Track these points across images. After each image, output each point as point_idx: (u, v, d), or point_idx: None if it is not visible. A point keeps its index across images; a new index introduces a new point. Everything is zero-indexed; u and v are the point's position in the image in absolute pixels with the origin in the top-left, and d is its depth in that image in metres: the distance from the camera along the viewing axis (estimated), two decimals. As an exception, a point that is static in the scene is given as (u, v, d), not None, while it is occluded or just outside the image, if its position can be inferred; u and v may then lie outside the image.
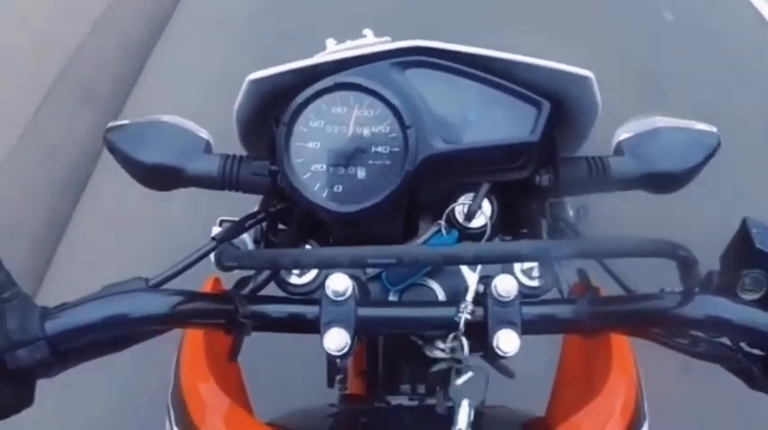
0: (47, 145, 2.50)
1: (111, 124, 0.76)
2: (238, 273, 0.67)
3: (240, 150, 0.78)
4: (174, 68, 3.08)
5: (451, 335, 0.60)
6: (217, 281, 0.77)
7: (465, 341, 0.59)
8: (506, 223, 0.73)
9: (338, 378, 1.12)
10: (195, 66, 3.04)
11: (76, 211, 2.42)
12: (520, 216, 0.75)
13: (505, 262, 0.59)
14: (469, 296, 0.59)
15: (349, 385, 1.06)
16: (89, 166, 2.51)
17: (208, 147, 0.76)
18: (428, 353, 0.63)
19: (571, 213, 0.78)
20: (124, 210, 2.25)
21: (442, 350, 0.61)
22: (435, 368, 0.61)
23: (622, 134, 0.75)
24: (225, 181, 0.74)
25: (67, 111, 2.64)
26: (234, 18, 3.40)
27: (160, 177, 0.74)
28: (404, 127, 0.65)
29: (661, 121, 0.75)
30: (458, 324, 0.59)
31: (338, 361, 0.86)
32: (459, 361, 0.60)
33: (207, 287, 0.75)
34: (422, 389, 0.76)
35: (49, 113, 2.58)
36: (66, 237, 2.33)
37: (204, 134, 0.76)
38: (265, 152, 0.74)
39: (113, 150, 0.74)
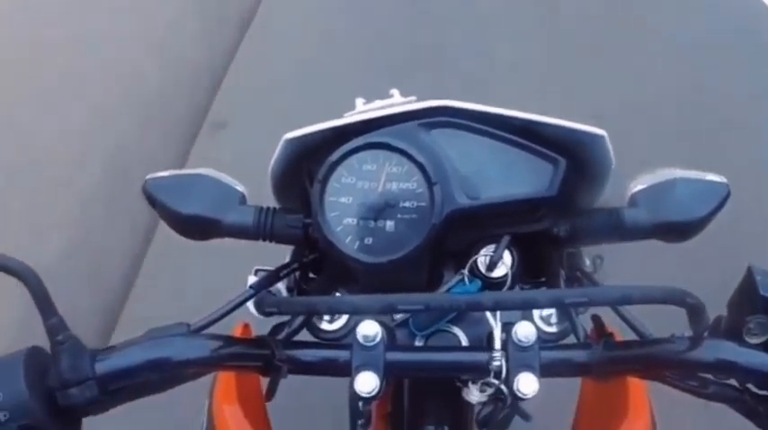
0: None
1: (149, 176, 0.78)
2: (266, 321, 0.70)
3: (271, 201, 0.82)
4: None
5: (481, 382, 0.64)
6: (246, 326, 0.80)
7: (504, 387, 0.63)
8: (526, 272, 0.76)
9: (360, 422, 1.14)
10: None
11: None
12: (539, 265, 0.78)
13: (523, 308, 0.63)
14: (497, 344, 0.63)
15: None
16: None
17: (243, 200, 0.78)
18: (466, 396, 0.67)
19: (587, 262, 0.81)
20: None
21: (487, 392, 0.65)
22: (485, 412, 0.66)
23: (636, 186, 0.78)
24: (259, 232, 0.76)
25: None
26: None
27: (197, 228, 0.77)
28: (430, 183, 0.68)
29: (673, 173, 0.77)
30: (481, 367, 0.63)
31: (362, 404, 0.90)
32: (503, 403, 0.64)
33: (237, 332, 0.79)
34: None
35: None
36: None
37: (239, 187, 0.79)
38: (297, 204, 0.77)
39: (152, 201, 0.77)
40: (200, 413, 0.83)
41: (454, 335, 0.71)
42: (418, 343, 0.72)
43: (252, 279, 0.77)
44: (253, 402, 0.79)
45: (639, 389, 0.78)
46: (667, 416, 0.81)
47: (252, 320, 0.76)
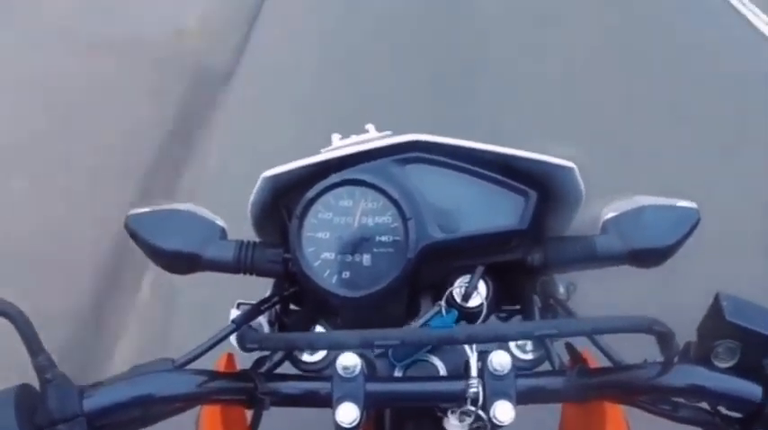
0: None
1: (131, 211, 0.79)
2: (249, 353, 0.72)
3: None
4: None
5: (459, 411, 0.66)
6: (230, 357, 0.81)
7: (482, 413, 0.64)
8: (501, 301, 0.78)
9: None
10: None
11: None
12: (513, 293, 0.80)
13: (494, 341, 0.65)
14: (473, 373, 0.65)
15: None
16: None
17: (223, 234, 0.79)
18: (446, 426, 0.68)
19: (561, 290, 0.83)
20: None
21: (466, 422, 0.66)
22: None
23: (607, 214, 0.79)
24: (240, 267, 0.77)
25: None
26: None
27: (179, 263, 0.78)
28: (404, 218, 0.70)
29: (643, 200, 0.79)
30: (458, 396, 0.65)
31: None
32: None
33: (221, 363, 0.80)
34: None
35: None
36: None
37: (219, 222, 0.80)
38: (277, 238, 0.79)
39: (134, 237, 0.78)
40: None
41: (433, 364, 0.73)
42: (397, 373, 0.73)
43: (234, 312, 0.78)
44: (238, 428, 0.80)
45: (616, 411, 0.79)
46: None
47: (235, 351, 0.77)
